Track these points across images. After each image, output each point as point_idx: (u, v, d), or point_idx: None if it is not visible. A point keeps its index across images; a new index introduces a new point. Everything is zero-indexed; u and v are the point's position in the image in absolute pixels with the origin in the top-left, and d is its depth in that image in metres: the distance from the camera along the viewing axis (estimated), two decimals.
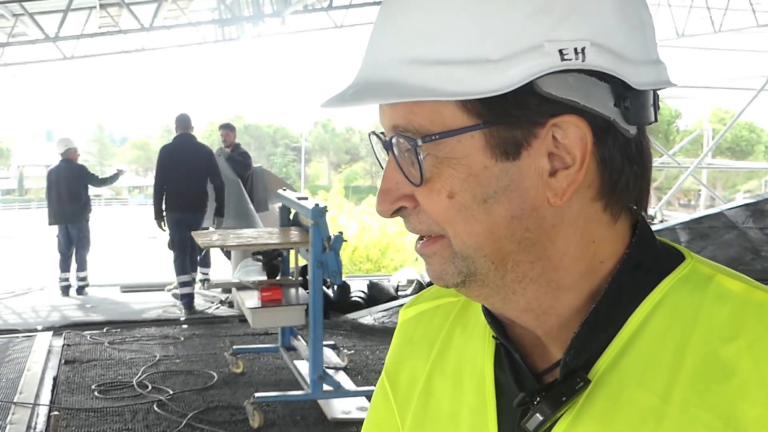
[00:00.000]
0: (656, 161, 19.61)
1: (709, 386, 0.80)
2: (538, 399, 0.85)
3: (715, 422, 0.78)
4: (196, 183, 9.28)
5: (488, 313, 0.95)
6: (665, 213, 16.64)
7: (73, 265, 11.30)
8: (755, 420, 0.77)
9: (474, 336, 1.01)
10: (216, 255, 11.01)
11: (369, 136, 0.93)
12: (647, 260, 0.89)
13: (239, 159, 10.17)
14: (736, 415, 0.78)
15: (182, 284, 9.56)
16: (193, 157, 9.32)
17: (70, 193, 11.02)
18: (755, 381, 0.78)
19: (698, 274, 0.88)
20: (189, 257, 9.55)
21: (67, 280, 11.29)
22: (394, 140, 0.86)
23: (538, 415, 0.85)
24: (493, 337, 0.97)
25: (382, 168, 0.91)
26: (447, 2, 0.81)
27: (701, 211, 12.59)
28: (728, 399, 0.78)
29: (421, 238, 0.90)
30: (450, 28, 0.81)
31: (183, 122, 9.47)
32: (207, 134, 63.81)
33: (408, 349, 1.11)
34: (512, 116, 0.82)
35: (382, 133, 0.90)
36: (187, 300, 9.55)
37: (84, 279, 11.37)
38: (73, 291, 11.28)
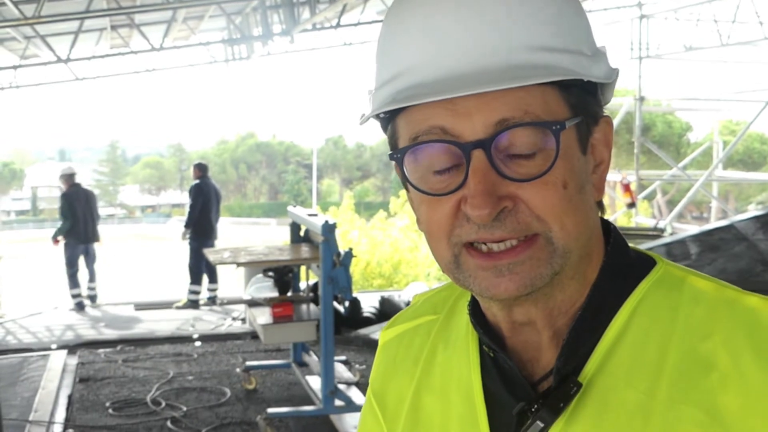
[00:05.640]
0: (667, 174, 19.57)
1: (691, 382, 0.84)
2: (536, 407, 0.88)
3: (699, 416, 0.82)
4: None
5: (482, 326, 0.97)
6: (677, 226, 16.57)
7: (84, 279, 11.69)
8: (737, 410, 0.81)
9: (457, 350, 1.04)
10: (223, 272, 11.13)
11: (408, 147, 0.86)
12: (624, 267, 0.93)
13: None
14: (718, 407, 0.81)
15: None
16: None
17: (93, 213, 11.64)
18: (734, 374, 0.82)
19: (671, 277, 0.92)
20: None
21: (79, 295, 11.52)
22: (505, 134, 0.82)
23: (538, 422, 0.88)
24: (485, 348, 0.98)
25: (408, 187, 0.90)
26: None
27: (712, 224, 12.55)
28: (710, 393, 0.82)
29: (483, 250, 0.85)
30: (554, 21, 0.85)
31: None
32: (219, 153, 63.84)
33: (392, 369, 1.13)
34: (591, 112, 0.89)
35: (445, 139, 0.84)
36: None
37: (94, 289, 11.88)
38: (87, 302, 11.64)
